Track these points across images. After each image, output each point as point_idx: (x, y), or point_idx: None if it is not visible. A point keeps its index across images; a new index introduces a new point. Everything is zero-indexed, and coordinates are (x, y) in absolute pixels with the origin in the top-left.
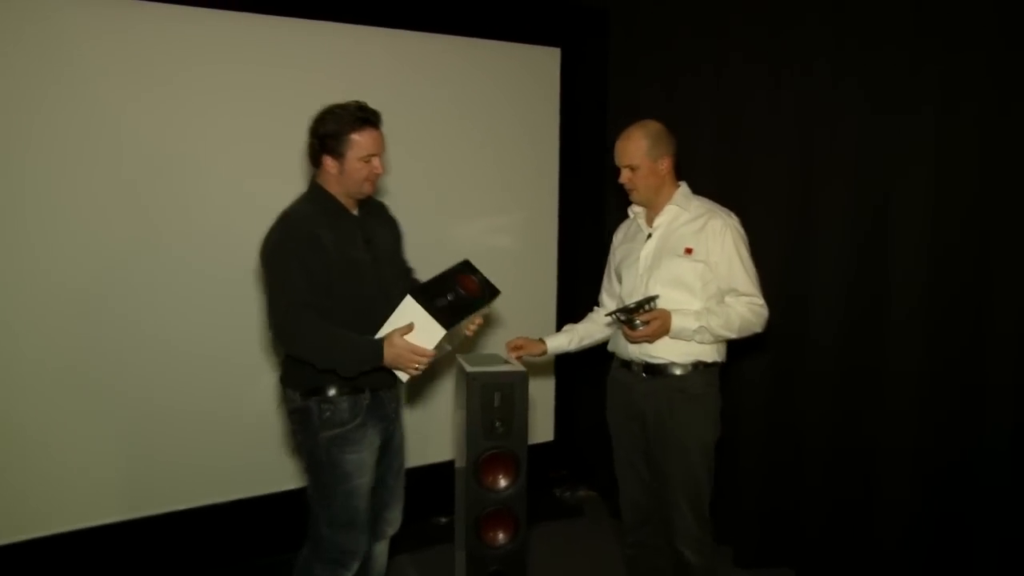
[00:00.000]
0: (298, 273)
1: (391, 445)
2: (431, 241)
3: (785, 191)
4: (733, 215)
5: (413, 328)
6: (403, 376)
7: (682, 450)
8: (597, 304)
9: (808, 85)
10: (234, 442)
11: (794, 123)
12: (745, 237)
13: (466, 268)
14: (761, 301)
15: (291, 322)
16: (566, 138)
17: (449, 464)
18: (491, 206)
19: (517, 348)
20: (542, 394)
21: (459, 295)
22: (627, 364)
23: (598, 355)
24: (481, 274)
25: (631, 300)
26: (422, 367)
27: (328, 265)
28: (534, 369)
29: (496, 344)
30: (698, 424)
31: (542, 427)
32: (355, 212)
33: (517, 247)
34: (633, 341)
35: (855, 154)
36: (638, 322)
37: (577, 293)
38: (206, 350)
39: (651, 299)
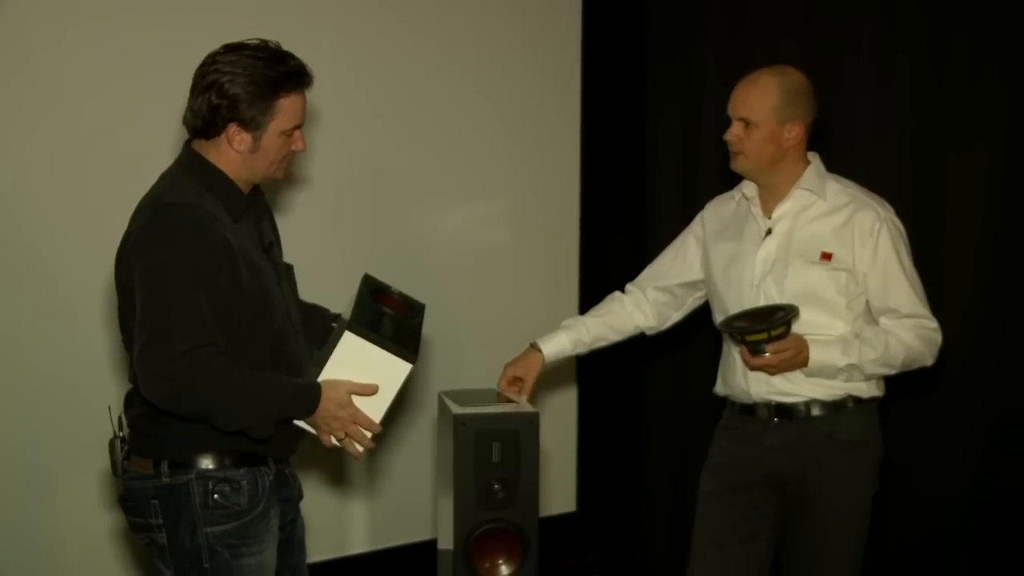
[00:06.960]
0: (202, 297)
1: (293, 538)
2: (404, 238)
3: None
4: (887, 205)
5: (368, 388)
6: (311, 431)
7: (833, 520)
8: (628, 284)
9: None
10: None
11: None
12: (905, 236)
13: (374, 284)
14: (933, 323)
15: (190, 371)
16: (590, 86)
17: (428, 545)
18: (485, 186)
19: (517, 381)
20: (560, 445)
21: (394, 318)
22: (749, 408)
23: (641, 386)
24: (392, 287)
25: (752, 307)
26: (351, 438)
27: (241, 287)
28: (548, 408)
29: (483, 373)
30: (854, 482)
31: (560, 492)
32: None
33: (522, 241)
34: (750, 367)
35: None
36: (766, 350)
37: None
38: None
39: (787, 310)
